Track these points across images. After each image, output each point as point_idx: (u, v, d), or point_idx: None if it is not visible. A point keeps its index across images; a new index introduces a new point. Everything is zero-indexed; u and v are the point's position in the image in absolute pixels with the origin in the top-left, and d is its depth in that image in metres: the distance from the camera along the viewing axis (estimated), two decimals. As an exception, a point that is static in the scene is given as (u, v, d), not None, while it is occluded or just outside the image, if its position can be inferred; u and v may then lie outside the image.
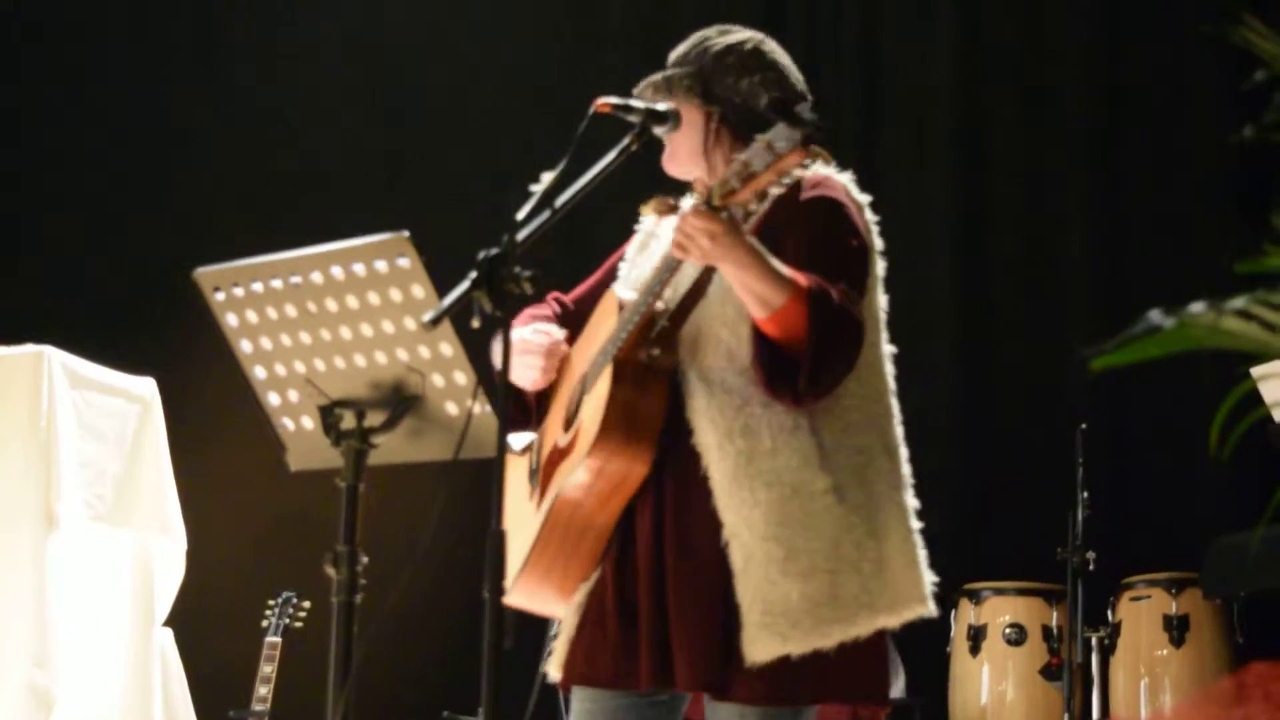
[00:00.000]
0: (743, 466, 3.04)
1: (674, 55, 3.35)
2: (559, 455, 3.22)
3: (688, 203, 3.10)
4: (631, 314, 3.14)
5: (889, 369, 3.23)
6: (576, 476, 3.10)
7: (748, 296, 2.99)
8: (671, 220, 3.11)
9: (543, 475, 3.26)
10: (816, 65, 6.67)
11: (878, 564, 3.06)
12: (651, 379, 3.11)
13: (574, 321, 3.44)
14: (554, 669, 3.26)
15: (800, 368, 2.98)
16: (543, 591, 3.20)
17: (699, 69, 3.28)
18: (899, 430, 3.20)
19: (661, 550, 3.09)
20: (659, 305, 3.14)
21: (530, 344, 3.29)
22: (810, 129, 2.92)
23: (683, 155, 3.27)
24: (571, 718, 3.30)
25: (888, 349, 3.23)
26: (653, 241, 3.39)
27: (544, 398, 3.39)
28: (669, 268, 3.10)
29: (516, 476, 3.37)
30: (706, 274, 3.13)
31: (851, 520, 3.05)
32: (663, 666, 3.07)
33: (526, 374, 3.30)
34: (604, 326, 3.25)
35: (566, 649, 3.22)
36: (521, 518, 3.23)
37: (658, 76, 3.31)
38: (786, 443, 3.06)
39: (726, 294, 3.09)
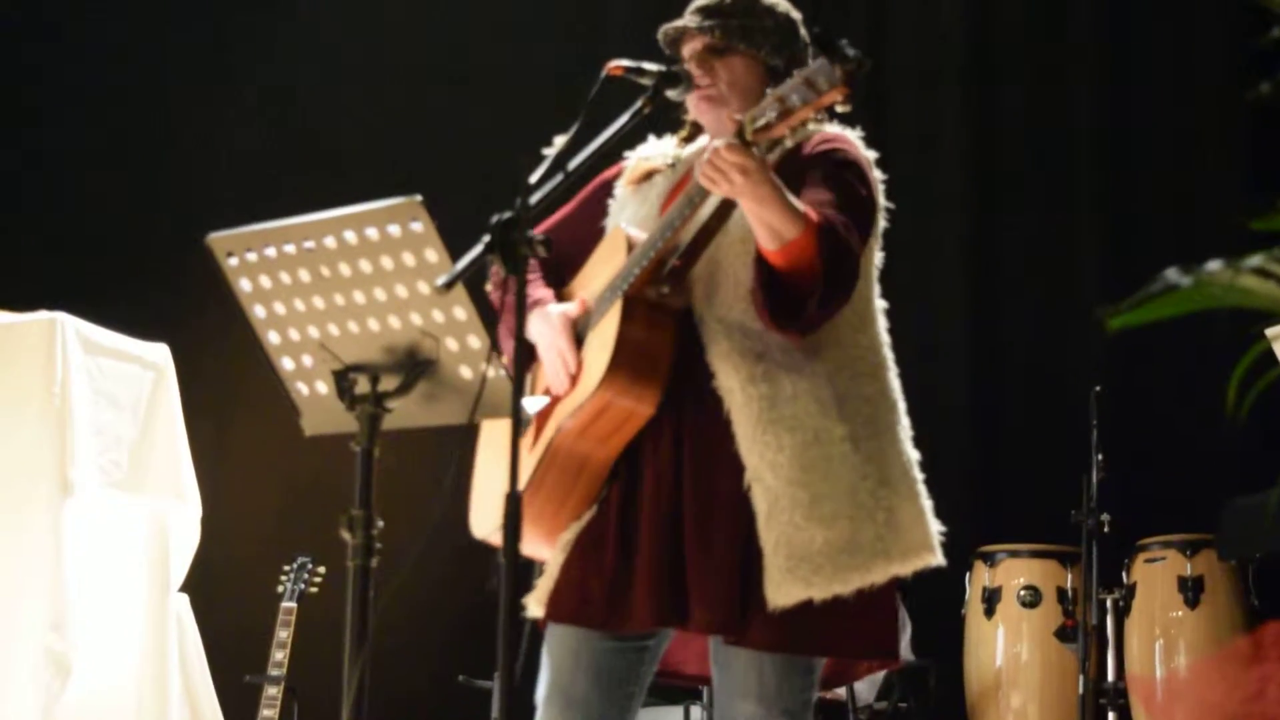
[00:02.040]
0: (766, 411, 3.03)
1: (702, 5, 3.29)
2: (555, 397, 3.19)
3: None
4: (646, 250, 3.11)
5: (883, 323, 3.23)
6: (579, 413, 3.08)
7: (762, 229, 2.98)
8: (676, 155, 3.08)
9: (536, 419, 3.22)
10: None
11: (890, 512, 3.07)
12: (661, 317, 3.10)
13: (552, 260, 3.41)
14: (536, 605, 3.18)
15: (810, 295, 2.98)
16: (532, 534, 3.14)
17: (748, 13, 3.24)
18: (897, 383, 3.20)
19: (679, 492, 3.07)
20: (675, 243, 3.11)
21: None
22: (854, 65, 2.84)
23: (736, 102, 3.19)
24: (548, 658, 3.21)
25: (881, 304, 3.23)
26: (658, 178, 3.34)
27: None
28: (690, 203, 3.07)
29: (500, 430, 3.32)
30: (720, 214, 3.11)
31: (866, 468, 3.06)
32: (673, 607, 3.03)
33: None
34: (609, 264, 3.21)
35: (552, 586, 3.16)
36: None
37: (706, 21, 3.24)
38: (806, 389, 3.06)
39: (748, 233, 3.07)
